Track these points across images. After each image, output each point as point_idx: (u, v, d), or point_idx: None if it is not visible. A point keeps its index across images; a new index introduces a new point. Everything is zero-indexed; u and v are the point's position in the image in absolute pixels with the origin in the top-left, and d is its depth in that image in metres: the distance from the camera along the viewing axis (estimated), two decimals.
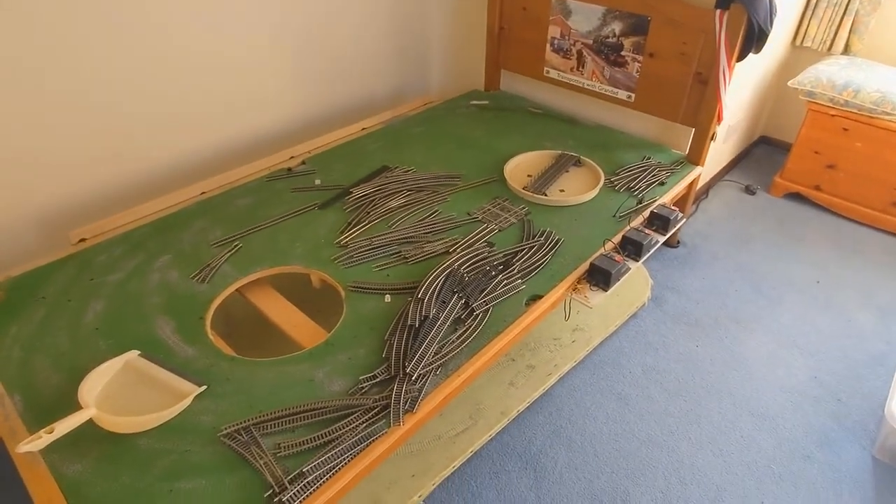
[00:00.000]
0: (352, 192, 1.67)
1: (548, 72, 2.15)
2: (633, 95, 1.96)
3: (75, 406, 1.01)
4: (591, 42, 1.97)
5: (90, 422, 0.98)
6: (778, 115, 2.74)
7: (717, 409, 1.53)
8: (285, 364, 1.15)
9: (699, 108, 1.82)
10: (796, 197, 2.42)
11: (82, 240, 1.47)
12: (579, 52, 2.02)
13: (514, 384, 1.51)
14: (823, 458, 1.42)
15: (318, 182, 1.72)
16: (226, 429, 1.00)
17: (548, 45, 2.10)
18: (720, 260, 2.06)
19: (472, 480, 1.34)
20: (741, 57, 1.71)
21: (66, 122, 1.59)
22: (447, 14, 2.42)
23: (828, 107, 2.19)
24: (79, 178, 1.71)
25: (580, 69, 2.05)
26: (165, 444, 0.99)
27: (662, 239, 1.56)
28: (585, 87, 2.06)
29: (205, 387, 1.08)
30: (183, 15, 1.67)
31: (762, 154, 2.77)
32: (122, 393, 1.07)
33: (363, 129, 2.06)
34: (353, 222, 1.55)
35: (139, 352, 1.14)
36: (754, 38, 1.67)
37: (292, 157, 1.86)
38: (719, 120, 1.82)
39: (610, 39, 1.93)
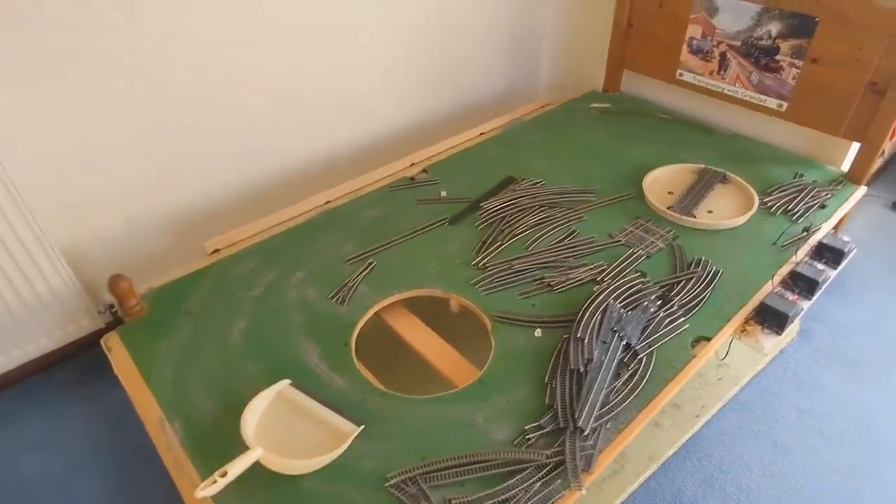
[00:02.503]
0: (481, 207, 1.58)
1: (681, 74, 1.97)
2: (784, 104, 1.77)
3: (231, 437, 0.97)
4: (738, 44, 1.79)
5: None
6: None
7: (890, 467, 1.36)
8: (441, 404, 1.08)
9: (870, 120, 1.61)
10: None
11: (216, 250, 1.45)
12: (722, 55, 1.84)
13: (659, 425, 1.40)
14: None
15: (443, 193, 1.64)
16: (393, 478, 0.94)
17: (685, 46, 1.92)
18: (873, 290, 1.86)
19: None
20: None
21: (194, 125, 1.59)
22: (562, 7, 2.27)
23: None
24: (206, 183, 1.71)
25: (721, 73, 1.87)
26: (330, 489, 0.94)
27: (834, 274, 1.39)
28: (726, 92, 1.88)
29: (363, 426, 1.02)
30: (298, 16, 1.63)
31: None
32: (278, 426, 1.03)
33: (481, 133, 1.96)
34: (488, 241, 1.46)
35: (290, 381, 1.09)
36: None
37: (412, 165, 1.79)
38: (893, 136, 1.61)
39: (763, 41, 1.73)
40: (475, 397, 1.09)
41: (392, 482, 0.94)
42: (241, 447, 0.95)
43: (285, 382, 1.09)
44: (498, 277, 1.35)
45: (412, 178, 1.71)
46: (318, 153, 1.91)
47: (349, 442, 0.98)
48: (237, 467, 0.90)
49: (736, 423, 1.46)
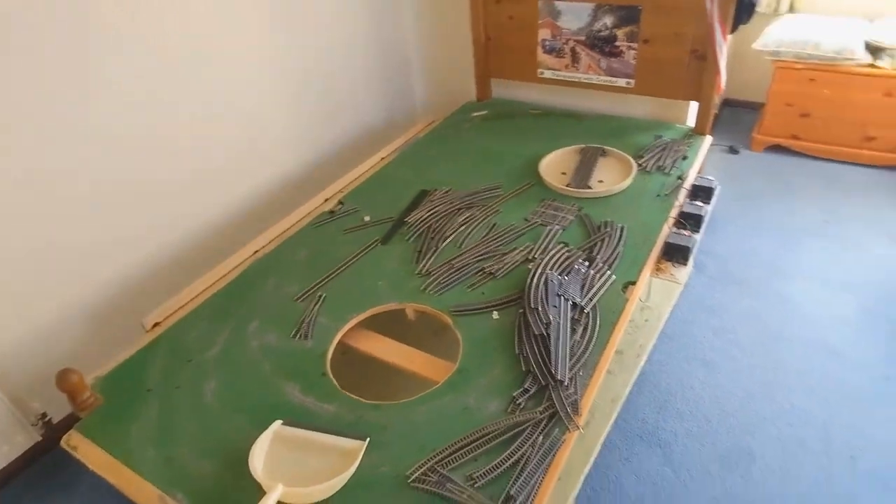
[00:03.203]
0: (406, 222, 1.67)
1: (542, 73, 2.23)
2: (632, 81, 2.07)
3: (240, 491, 0.97)
4: (583, 38, 2.07)
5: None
6: (736, 78, 2.95)
7: (792, 353, 1.64)
8: (431, 400, 1.15)
9: (700, 82, 1.95)
10: (776, 148, 2.62)
11: (156, 324, 1.40)
12: (573, 50, 2.12)
13: (611, 372, 1.56)
14: (881, 371, 1.55)
15: (366, 218, 1.72)
16: (412, 474, 1.00)
17: (539, 48, 2.18)
18: (734, 220, 2.21)
19: (608, 472, 1.38)
20: (733, 29, 1.85)
21: (92, 201, 1.53)
22: (425, 34, 2.46)
23: (793, 62, 2.40)
24: (127, 259, 1.64)
25: (575, 65, 2.14)
26: (357, 502, 0.97)
27: (710, 208, 1.66)
28: (583, 81, 2.16)
29: (368, 439, 1.06)
30: (191, 76, 1.64)
31: (729, 116, 2.98)
32: (285, 464, 1.04)
33: (382, 158, 2.06)
34: (423, 250, 1.56)
35: (281, 420, 1.11)
36: (743, 10, 1.82)
37: (326, 200, 1.84)
38: (719, 90, 1.96)
39: (603, 33, 2.03)
40: (459, 385, 1.18)
41: (413, 478, 0.99)
42: (256, 495, 0.96)
43: (277, 423, 1.10)
44: (443, 278, 1.45)
45: (332, 212, 1.77)
46: (228, 209, 1.90)
47: (360, 455, 1.02)
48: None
49: (669, 353, 1.68)
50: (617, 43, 2.02)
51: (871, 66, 2.30)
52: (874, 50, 2.32)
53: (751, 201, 2.31)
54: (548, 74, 2.22)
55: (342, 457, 1.04)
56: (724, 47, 1.85)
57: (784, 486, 1.32)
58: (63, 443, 1.12)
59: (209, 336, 1.35)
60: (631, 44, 2.00)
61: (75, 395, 1.16)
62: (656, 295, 1.81)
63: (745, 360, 1.63)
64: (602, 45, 2.05)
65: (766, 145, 2.64)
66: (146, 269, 1.69)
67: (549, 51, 2.16)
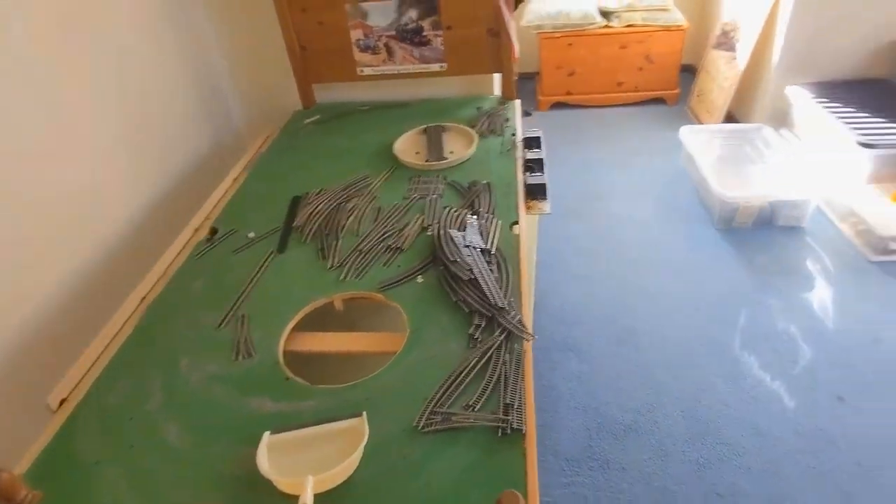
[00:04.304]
0: (295, 227, 1.69)
1: (362, 71, 2.38)
2: (444, 65, 2.34)
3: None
4: (394, 33, 2.27)
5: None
6: None
7: (630, 249, 2.08)
8: (400, 363, 1.24)
9: (499, 56, 2.29)
10: (558, 105, 3.16)
11: (63, 400, 1.23)
12: (386, 45, 2.30)
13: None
14: (686, 245, 2.08)
15: (251, 235, 1.69)
16: (419, 422, 1.09)
17: (354, 48, 2.32)
18: (553, 164, 2.64)
19: (542, 380, 1.62)
20: (515, 7, 2.22)
21: None
22: (236, 55, 2.43)
23: (553, 32, 2.91)
24: None
25: (392, 59, 2.33)
26: (382, 464, 1.03)
27: (544, 153, 2.00)
28: (401, 72, 2.36)
29: (364, 412, 1.12)
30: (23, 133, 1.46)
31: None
32: (295, 465, 1.05)
33: (234, 179, 2.01)
34: (325, 246, 1.61)
35: (269, 431, 1.10)
36: None
37: (196, 230, 1.75)
38: (515, 59, 2.33)
39: (410, 26, 2.25)
40: (418, 343, 1.29)
41: (421, 424, 1.09)
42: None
43: (266, 434, 1.09)
44: (357, 264, 1.53)
45: (209, 239, 1.70)
46: (74, 276, 1.69)
47: (366, 425, 1.08)
48: (308, 497, 0.93)
49: (547, 271, 1.99)
50: (424, 33, 2.26)
51: (607, 26, 2.92)
52: (606, 14, 2.95)
53: (557, 149, 2.77)
54: (368, 71, 2.37)
55: (347, 437, 1.08)
56: (512, 22, 2.21)
57: (663, 345, 1.70)
58: None
59: (138, 390, 1.24)
60: (437, 32, 2.25)
61: (12, 496, 0.99)
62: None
63: (601, 266, 2.01)
64: (411, 36, 2.27)
65: (549, 104, 3.16)
66: (19, 346, 1.45)
67: (365, 49, 2.32)
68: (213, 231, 1.74)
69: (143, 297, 1.50)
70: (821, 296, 2.06)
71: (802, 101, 2.72)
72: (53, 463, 1.10)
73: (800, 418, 1.67)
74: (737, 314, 1.92)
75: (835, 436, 1.63)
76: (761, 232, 2.29)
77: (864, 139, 2.38)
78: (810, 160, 2.66)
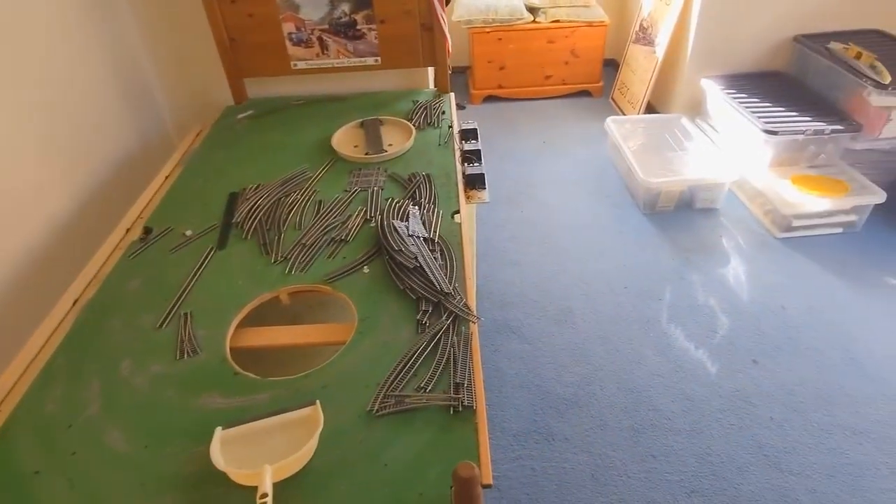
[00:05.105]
0: (234, 223, 1.67)
1: (295, 65, 2.35)
2: (378, 59, 2.35)
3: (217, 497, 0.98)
4: (327, 27, 2.26)
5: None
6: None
7: (562, 235, 2.18)
8: (351, 352, 1.26)
9: (433, 49, 2.33)
10: (490, 98, 3.24)
11: None
12: (319, 39, 2.29)
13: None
14: (614, 228, 2.21)
15: (188, 233, 1.65)
16: (372, 407, 1.12)
17: (287, 41, 2.29)
18: (487, 155, 2.71)
19: (488, 364, 1.68)
20: (448, 2, 2.26)
21: None
22: (160, 49, 2.33)
23: (483, 27, 2.98)
24: None
25: (325, 53, 2.32)
26: (340, 449, 1.06)
27: (480, 145, 2.06)
28: (336, 66, 2.35)
29: (317, 401, 1.13)
30: None
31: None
32: (251, 456, 1.05)
33: (166, 177, 1.94)
34: (266, 242, 1.59)
35: (221, 427, 1.10)
36: None
37: (128, 230, 1.69)
38: (448, 54, 2.37)
39: (343, 19, 2.25)
40: (368, 331, 1.31)
41: (375, 409, 1.12)
42: (239, 498, 0.97)
43: (218, 430, 1.09)
44: (301, 258, 1.53)
45: (143, 239, 1.64)
46: (9, 270, 1.59)
47: (320, 412, 1.10)
48: (267, 486, 0.94)
49: (484, 258, 2.05)
50: (358, 27, 2.26)
51: (535, 22, 3.02)
52: (532, 10, 3.05)
53: (490, 141, 2.85)
54: (301, 65, 2.35)
55: (302, 426, 1.10)
56: (445, 17, 2.25)
57: (597, 322, 1.81)
58: None
59: (75, 396, 1.19)
60: (370, 26, 2.26)
61: None
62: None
63: (536, 251, 2.11)
64: (345, 30, 2.27)
65: (482, 98, 3.23)
66: None
67: (297, 42, 2.29)
68: (147, 230, 1.68)
69: (76, 301, 1.43)
70: (735, 271, 2.25)
71: (713, 92, 2.94)
72: None
73: (721, 381, 1.83)
74: (663, 290, 2.07)
75: (750, 395, 1.80)
76: (682, 214, 2.47)
77: (767, 127, 2.61)
78: (722, 147, 2.88)
